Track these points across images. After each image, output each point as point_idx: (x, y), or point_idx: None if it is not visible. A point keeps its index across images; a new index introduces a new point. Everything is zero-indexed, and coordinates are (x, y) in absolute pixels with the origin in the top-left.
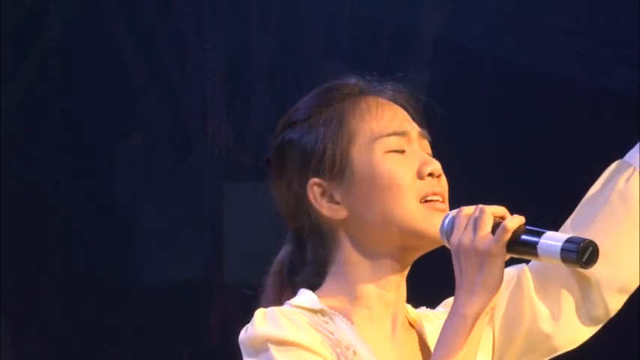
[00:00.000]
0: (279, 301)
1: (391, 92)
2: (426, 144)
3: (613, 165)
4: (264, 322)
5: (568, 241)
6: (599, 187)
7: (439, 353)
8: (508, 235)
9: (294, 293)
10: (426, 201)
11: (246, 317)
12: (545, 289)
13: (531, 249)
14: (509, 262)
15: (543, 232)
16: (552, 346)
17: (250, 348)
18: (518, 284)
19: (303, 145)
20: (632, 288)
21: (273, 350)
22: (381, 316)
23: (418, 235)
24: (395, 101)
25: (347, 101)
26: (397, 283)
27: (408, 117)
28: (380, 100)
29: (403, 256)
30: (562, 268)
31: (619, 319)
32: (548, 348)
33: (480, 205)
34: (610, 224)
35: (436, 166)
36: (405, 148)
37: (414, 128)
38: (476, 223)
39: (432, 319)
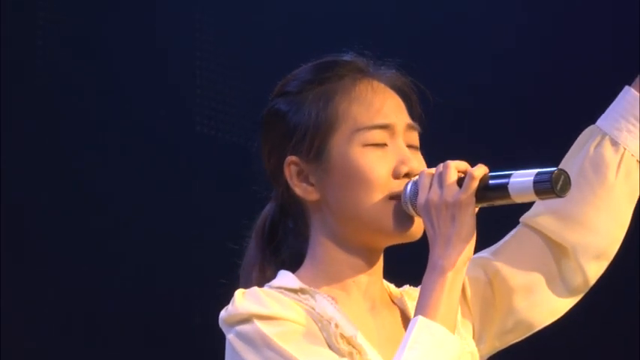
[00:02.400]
0: (262, 256)
1: (388, 76)
2: (415, 135)
3: (586, 131)
4: (245, 301)
5: (539, 174)
6: (572, 154)
7: (422, 306)
8: (476, 183)
9: (279, 261)
10: (395, 197)
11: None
12: (518, 264)
13: (502, 191)
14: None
15: (510, 174)
16: (530, 322)
17: (233, 324)
18: (485, 266)
19: (288, 120)
20: (610, 254)
21: (258, 323)
22: (359, 296)
23: (383, 232)
24: (391, 86)
25: (340, 83)
26: (371, 265)
27: (400, 106)
28: (374, 84)
29: (372, 244)
30: (534, 243)
31: (619, 319)
32: (527, 324)
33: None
34: (583, 191)
35: (414, 164)
36: (388, 142)
37: (401, 120)
38: (441, 177)
39: (415, 296)
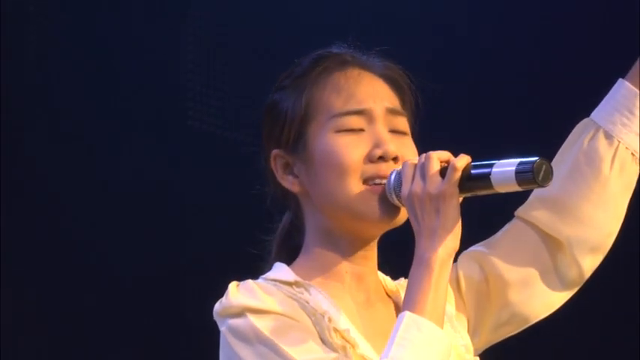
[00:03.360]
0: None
1: (373, 65)
2: (400, 120)
3: (580, 124)
4: (239, 294)
5: (520, 164)
6: (566, 147)
7: (410, 301)
8: (458, 174)
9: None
10: (370, 184)
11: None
12: (513, 258)
13: (485, 182)
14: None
15: (493, 164)
16: (525, 315)
17: (226, 317)
18: (480, 260)
19: (276, 113)
20: (606, 247)
21: (251, 317)
22: (354, 288)
23: (358, 217)
24: (379, 74)
25: (322, 74)
26: (364, 257)
27: (380, 91)
28: (350, 72)
29: (359, 234)
30: (529, 237)
31: (620, 318)
32: (522, 317)
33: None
34: (578, 185)
35: (389, 148)
36: (365, 127)
37: (379, 105)
38: (423, 169)
39: None
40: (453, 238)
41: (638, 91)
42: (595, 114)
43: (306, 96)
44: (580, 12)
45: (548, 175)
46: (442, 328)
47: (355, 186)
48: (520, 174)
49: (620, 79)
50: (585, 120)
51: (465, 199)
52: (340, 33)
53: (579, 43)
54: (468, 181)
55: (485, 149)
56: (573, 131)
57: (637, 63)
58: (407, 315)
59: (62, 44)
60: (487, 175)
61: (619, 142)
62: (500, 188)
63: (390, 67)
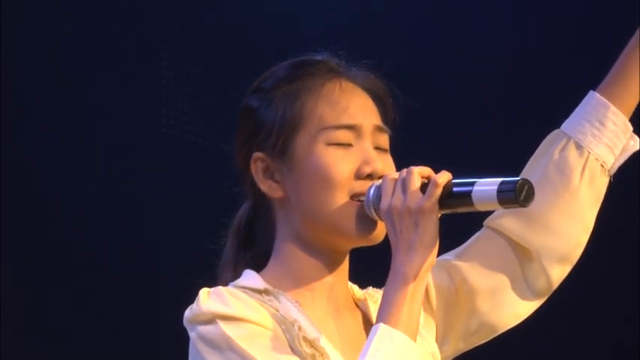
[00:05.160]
0: (236, 256)
1: (360, 77)
2: (384, 138)
3: (550, 135)
4: (210, 301)
5: (503, 183)
6: (536, 158)
7: (384, 313)
8: (439, 190)
9: (248, 259)
10: (355, 200)
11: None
12: (482, 267)
13: (465, 199)
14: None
15: (474, 182)
16: (494, 324)
17: (196, 324)
18: (449, 268)
19: (257, 116)
20: (574, 258)
21: (222, 324)
22: (323, 297)
23: (345, 235)
24: (362, 86)
25: (309, 81)
26: (335, 267)
27: (369, 107)
28: (343, 84)
29: (335, 246)
30: (498, 246)
31: (620, 318)
32: (491, 326)
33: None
34: (547, 194)
35: (378, 166)
36: (353, 143)
37: (369, 122)
38: (404, 183)
39: (378, 299)
40: (430, 254)
41: (608, 102)
42: (565, 125)
43: (299, 104)
44: (558, 14)
45: (530, 196)
46: (415, 341)
47: (341, 200)
48: (502, 193)
49: (591, 91)
50: (556, 131)
51: (442, 215)
52: (321, 38)
53: (557, 45)
54: (448, 197)
55: (461, 159)
56: (543, 142)
57: (609, 74)
58: (381, 327)
59: (39, 49)
60: (468, 194)
61: (589, 152)
62: (481, 206)
63: (376, 82)
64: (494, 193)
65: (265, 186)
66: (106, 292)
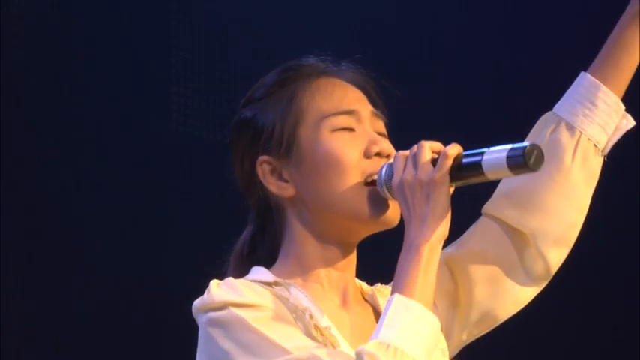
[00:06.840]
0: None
1: (348, 74)
2: (381, 124)
3: (542, 118)
4: (221, 290)
5: (512, 149)
6: (529, 141)
7: (399, 284)
8: (450, 162)
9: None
10: (371, 183)
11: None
12: (479, 256)
13: (476, 169)
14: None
15: (484, 152)
16: (495, 313)
17: (209, 312)
18: (448, 261)
19: (255, 123)
20: (570, 240)
21: (235, 309)
22: (332, 291)
23: (359, 219)
24: (352, 82)
25: (300, 81)
26: (345, 261)
27: (362, 97)
28: (334, 80)
29: (348, 236)
30: (495, 233)
31: (620, 318)
32: (491, 315)
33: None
34: (541, 178)
35: (385, 145)
36: (355, 127)
37: (365, 108)
38: (415, 158)
39: (387, 294)
40: (442, 226)
41: (599, 82)
42: (557, 107)
43: (296, 101)
44: (550, 12)
45: (540, 160)
46: (431, 311)
47: (354, 183)
48: (511, 159)
49: (582, 72)
50: (547, 113)
51: (456, 189)
52: (326, 38)
53: (549, 44)
54: (459, 169)
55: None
56: (535, 125)
57: (599, 55)
58: (396, 297)
59: (49, 47)
60: (478, 163)
61: (581, 133)
62: (492, 175)
63: (364, 78)
64: (504, 159)
65: (275, 187)
66: (107, 292)
